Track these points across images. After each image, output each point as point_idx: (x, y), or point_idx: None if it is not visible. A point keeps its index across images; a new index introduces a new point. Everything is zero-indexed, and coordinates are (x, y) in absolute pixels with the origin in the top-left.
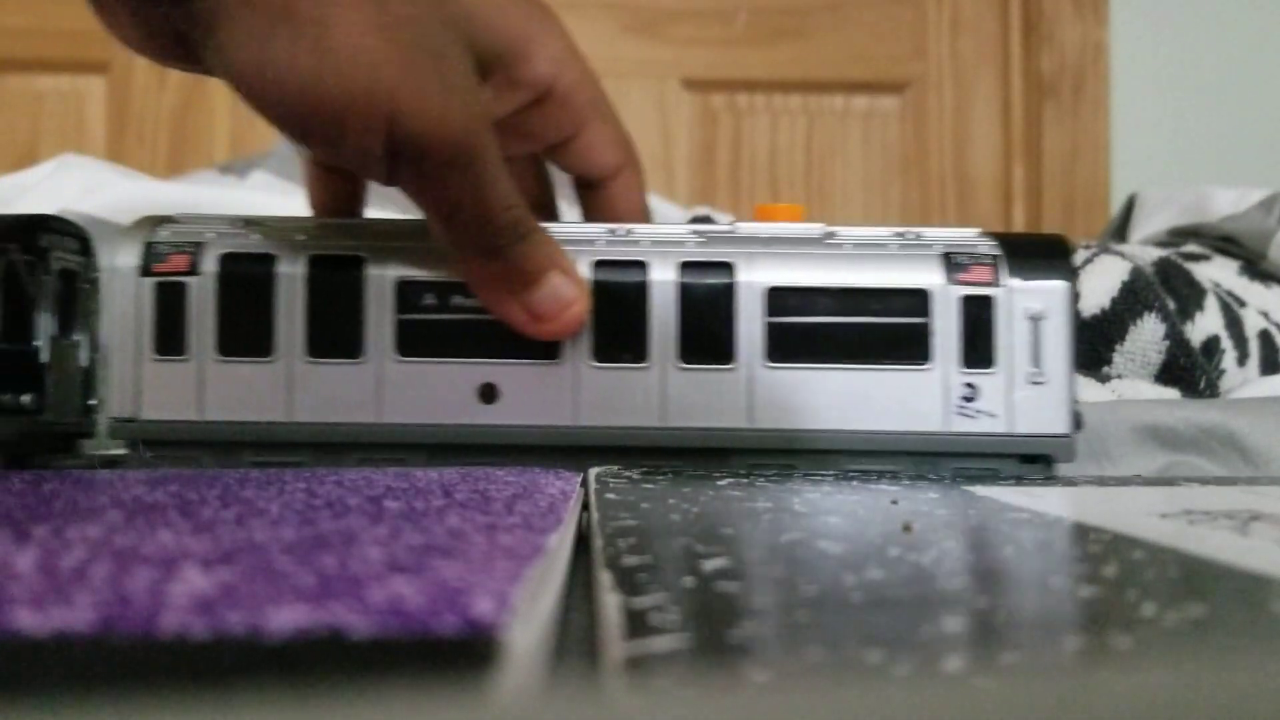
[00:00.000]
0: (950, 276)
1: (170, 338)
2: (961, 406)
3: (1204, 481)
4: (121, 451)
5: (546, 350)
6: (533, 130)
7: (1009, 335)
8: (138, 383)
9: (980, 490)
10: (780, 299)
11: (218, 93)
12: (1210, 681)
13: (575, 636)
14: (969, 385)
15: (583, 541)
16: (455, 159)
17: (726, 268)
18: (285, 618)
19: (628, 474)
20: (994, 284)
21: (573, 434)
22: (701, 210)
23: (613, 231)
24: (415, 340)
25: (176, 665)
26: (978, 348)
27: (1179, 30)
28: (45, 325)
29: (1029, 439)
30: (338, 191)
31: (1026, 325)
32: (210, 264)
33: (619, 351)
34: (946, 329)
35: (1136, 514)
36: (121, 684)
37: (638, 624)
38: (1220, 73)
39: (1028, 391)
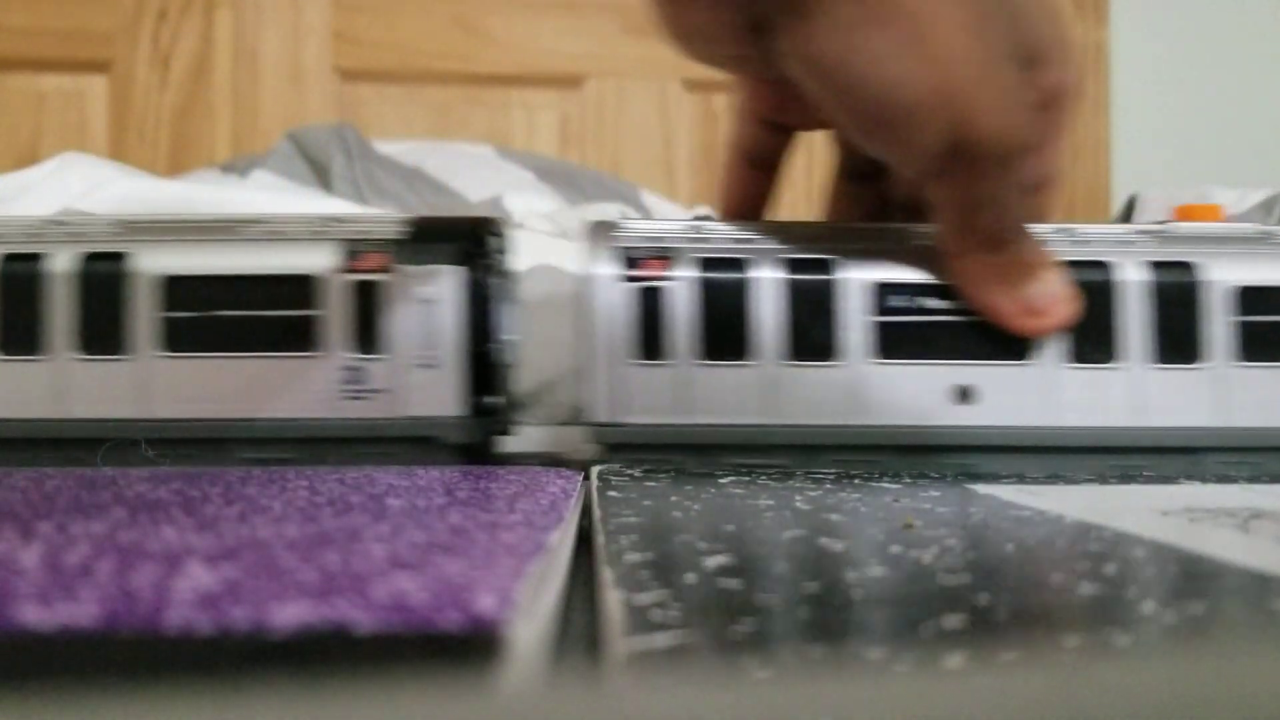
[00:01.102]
0: None
1: (651, 342)
2: None
3: (1205, 480)
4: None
5: (1021, 351)
6: None
7: None
8: (620, 387)
9: (982, 488)
10: (1251, 298)
11: (219, 93)
12: (1210, 678)
13: (578, 633)
14: None
15: (585, 539)
16: (1007, 159)
17: (1188, 267)
18: (290, 613)
19: (629, 472)
20: None
21: (1048, 434)
22: (703, 210)
23: (1057, 231)
24: (891, 342)
25: (182, 660)
26: None
27: (1179, 30)
28: (503, 326)
29: None
30: (757, 192)
31: None
32: (687, 269)
33: (1090, 351)
34: None
35: (1138, 512)
36: (127, 678)
37: (640, 620)
38: (1220, 73)
39: None
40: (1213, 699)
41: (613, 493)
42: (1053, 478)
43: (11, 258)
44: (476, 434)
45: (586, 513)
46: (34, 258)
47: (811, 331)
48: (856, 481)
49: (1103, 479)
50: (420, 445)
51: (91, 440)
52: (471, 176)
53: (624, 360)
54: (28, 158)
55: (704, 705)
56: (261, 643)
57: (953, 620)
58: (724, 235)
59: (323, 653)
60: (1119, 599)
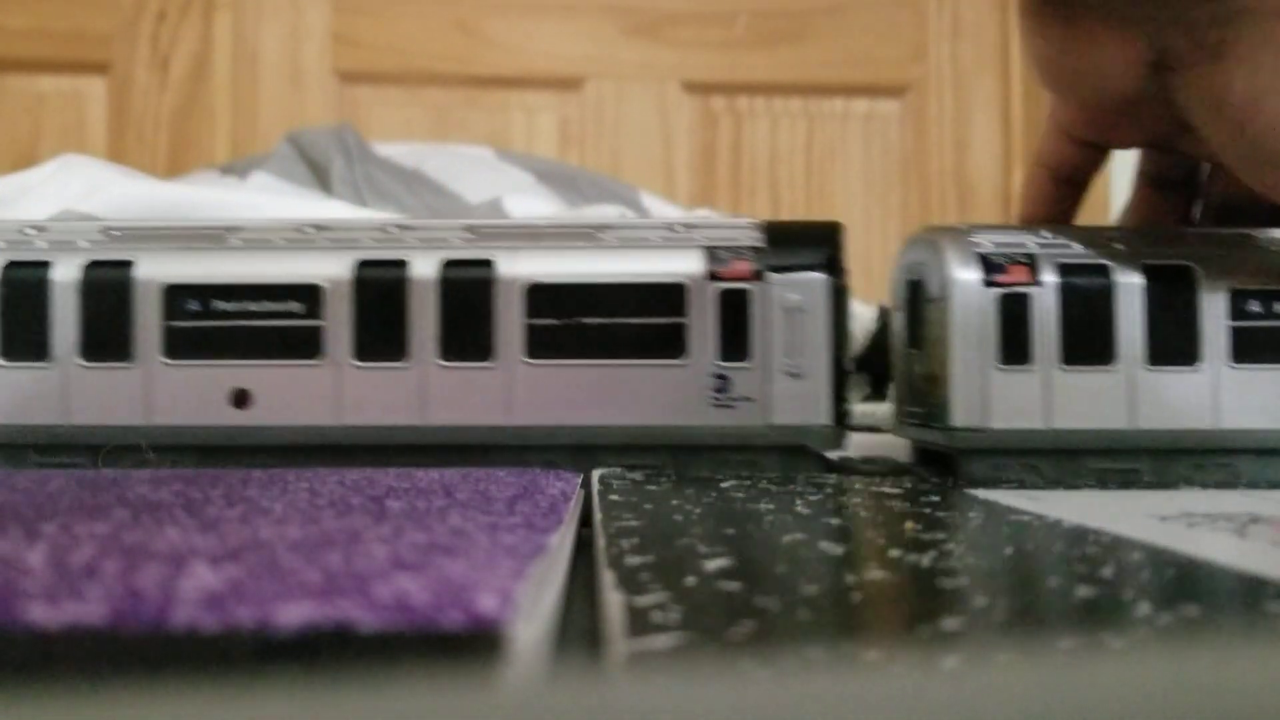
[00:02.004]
0: None
1: (1015, 348)
2: None
3: (1204, 485)
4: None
5: None
6: None
7: None
8: (985, 393)
9: (982, 493)
10: None
11: (218, 94)
12: (1205, 679)
13: (579, 634)
14: None
15: (586, 542)
16: None
17: None
18: (294, 613)
19: (631, 475)
20: None
21: None
22: (703, 212)
23: None
24: (1245, 346)
25: (188, 658)
26: None
27: None
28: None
29: None
30: (1062, 207)
31: None
32: (1049, 274)
33: None
34: None
35: (1136, 516)
36: (133, 676)
37: (640, 622)
38: None
39: None
40: (1208, 700)
41: (613, 496)
42: (1053, 483)
43: (367, 264)
44: (840, 442)
45: (587, 515)
46: (394, 264)
47: (1173, 336)
48: (857, 486)
49: (1103, 484)
50: (788, 454)
51: (455, 447)
52: (471, 178)
53: (986, 365)
54: (27, 159)
55: (704, 705)
56: (266, 641)
57: (951, 622)
58: (1082, 239)
59: (327, 651)
60: (1115, 601)
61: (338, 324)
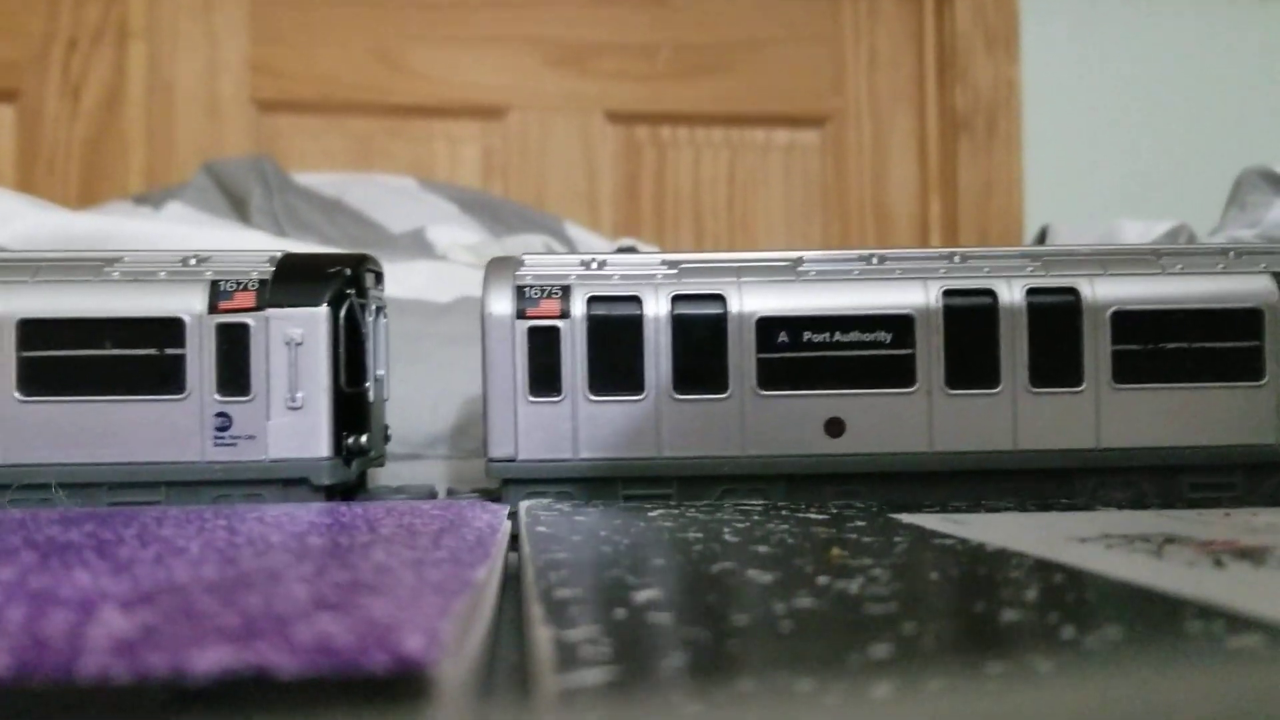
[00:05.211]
0: None
1: None
2: None
3: (1120, 506)
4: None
5: None
6: None
7: None
8: None
9: (906, 518)
10: None
11: (132, 124)
12: (1129, 700)
13: (507, 671)
14: None
15: (514, 575)
16: None
17: None
18: (210, 659)
19: (559, 506)
20: None
21: None
22: (627, 242)
23: None
24: None
25: (97, 709)
26: None
27: (1088, 69)
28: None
29: None
30: None
31: None
32: None
33: None
34: None
35: (1056, 539)
36: None
37: (569, 657)
38: (1126, 110)
39: None
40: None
41: (541, 528)
42: (975, 506)
43: (954, 293)
44: None
45: (514, 548)
46: (982, 293)
47: None
48: (784, 513)
49: (1022, 506)
50: None
51: (1042, 472)
52: (393, 208)
53: None
54: None
55: None
56: (181, 689)
57: (880, 650)
58: None
59: (245, 698)
60: (1040, 625)
61: (929, 352)
